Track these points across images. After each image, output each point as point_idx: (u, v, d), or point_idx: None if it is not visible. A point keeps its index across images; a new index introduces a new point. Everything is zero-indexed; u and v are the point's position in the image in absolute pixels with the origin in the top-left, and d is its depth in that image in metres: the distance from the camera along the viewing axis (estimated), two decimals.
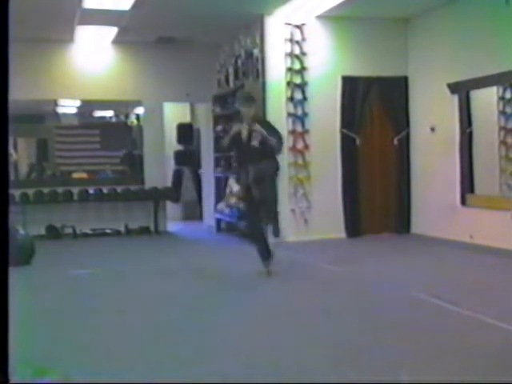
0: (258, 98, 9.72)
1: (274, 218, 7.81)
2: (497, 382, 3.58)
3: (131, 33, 10.43)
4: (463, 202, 9.32)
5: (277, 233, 8.08)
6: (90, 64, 11.33)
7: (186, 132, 13.26)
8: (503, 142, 9.51)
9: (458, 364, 3.95)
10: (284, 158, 9.70)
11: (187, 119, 13.77)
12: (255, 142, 6.91)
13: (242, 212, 7.92)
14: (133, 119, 12.56)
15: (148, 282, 7.00)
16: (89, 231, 11.10)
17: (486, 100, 9.47)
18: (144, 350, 4.43)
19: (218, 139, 11.25)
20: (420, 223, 10.23)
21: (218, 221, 11.48)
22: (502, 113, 9.49)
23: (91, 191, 11.26)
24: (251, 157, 6.95)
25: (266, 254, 7.00)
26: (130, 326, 5.14)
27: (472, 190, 9.30)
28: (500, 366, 3.88)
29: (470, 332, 4.73)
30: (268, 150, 6.98)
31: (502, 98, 9.47)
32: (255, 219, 7.14)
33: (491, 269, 7.47)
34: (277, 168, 7.25)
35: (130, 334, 4.91)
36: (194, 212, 13.25)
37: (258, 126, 6.92)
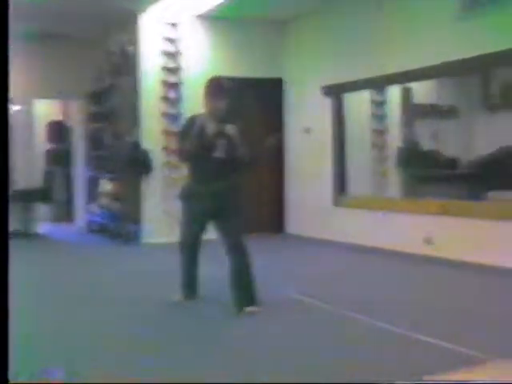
0: (131, 97, 9.59)
1: (245, 274, 5.29)
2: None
3: None
4: (336, 202, 9.46)
5: (248, 300, 5.24)
6: None
7: (57, 130, 12.82)
8: (375, 144, 9.73)
9: (327, 358, 3.96)
10: (158, 158, 9.60)
11: (59, 117, 13.32)
12: (221, 153, 5.17)
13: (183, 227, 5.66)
14: None
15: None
16: None
17: (358, 103, 9.67)
18: None
19: (91, 138, 10.98)
20: (294, 223, 10.32)
21: (90, 222, 11.18)
22: (374, 115, 9.71)
23: None
24: (212, 172, 5.20)
25: (192, 288, 5.63)
26: None
27: (345, 191, 9.46)
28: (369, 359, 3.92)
29: (338, 328, 4.81)
30: (236, 165, 5.29)
31: (373, 101, 9.70)
32: (193, 244, 5.59)
33: (362, 267, 7.62)
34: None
35: None
36: (65, 213, 12.82)
37: (230, 129, 5.20)
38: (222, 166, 5.19)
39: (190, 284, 5.61)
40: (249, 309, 5.16)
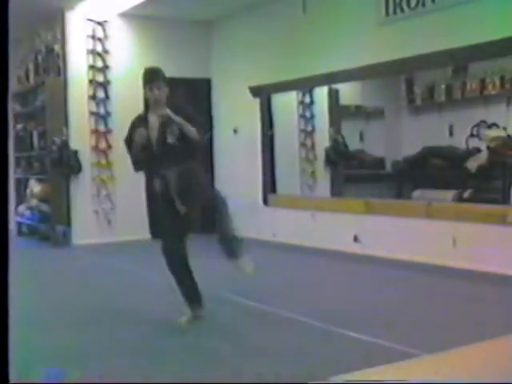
0: (59, 96, 9.47)
1: (226, 228, 5.22)
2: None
3: None
4: (265, 201, 9.55)
5: (234, 252, 5.15)
6: None
7: None
8: (303, 144, 9.85)
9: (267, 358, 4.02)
10: (87, 158, 9.52)
11: None
12: (172, 139, 4.90)
13: (163, 232, 5.14)
14: None
15: None
16: None
17: (286, 104, 9.77)
18: None
19: (18, 138, 10.76)
20: None
21: (19, 224, 10.97)
22: (302, 116, 9.83)
23: None
24: (168, 158, 4.90)
25: (193, 294, 5.04)
26: None
27: (274, 190, 9.55)
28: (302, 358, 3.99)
29: (273, 328, 4.85)
30: (191, 148, 5.01)
31: (301, 103, 9.82)
32: (178, 244, 5.01)
33: (293, 266, 7.68)
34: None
35: None
36: None
37: (173, 116, 4.85)
38: (175, 153, 4.89)
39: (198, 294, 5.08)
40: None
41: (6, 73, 2.02)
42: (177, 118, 4.83)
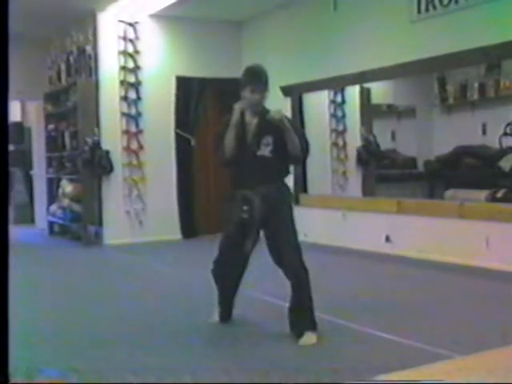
0: (90, 97, 9.53)
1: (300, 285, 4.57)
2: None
3: None
4: (297, 201, 9.51)
5: (305, 325, 4.43)
6: None
7: (16, 131, 12.67)
8: (335, 144, 9.81)
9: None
10: (118, 159, 9.56)
11: (18, 118, 13.18)
12: (266, 151, 4.37)
13: (222, 250, 4.82)
14: None
15: None
16: None
17: (318, 103, 9.73)
18: None
19: (50, 138, 10.87)
20: None
21: (51, 224, 11.07)
22: (333, 115, 9.79)
23: None
24: (257, 174, 4.37)
25: (228, 309, 4.91)
26: None
27: (305, 190, 9.52)
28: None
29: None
30: (284, 163, 4.53)
31: (333, 102, 9.78)
32: (237, 268, 4.78)
33: (323, 266, 7.63)
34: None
35: None
36: (26, 215, 12.68)
37: (286, 122, 4.34)
38: (267, 166, 4.39)
39: (230, 307, 4.94)
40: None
41: (6, 73, 2.03)
42: (289, 127, 4.33)
